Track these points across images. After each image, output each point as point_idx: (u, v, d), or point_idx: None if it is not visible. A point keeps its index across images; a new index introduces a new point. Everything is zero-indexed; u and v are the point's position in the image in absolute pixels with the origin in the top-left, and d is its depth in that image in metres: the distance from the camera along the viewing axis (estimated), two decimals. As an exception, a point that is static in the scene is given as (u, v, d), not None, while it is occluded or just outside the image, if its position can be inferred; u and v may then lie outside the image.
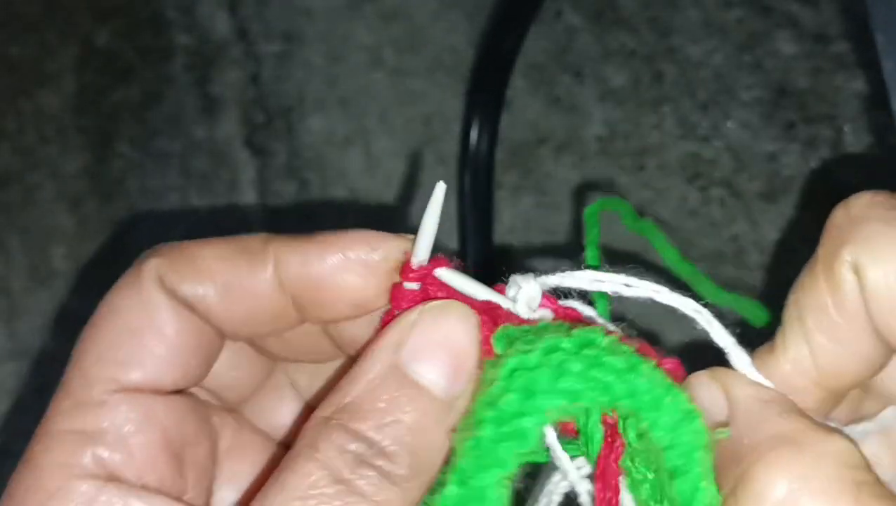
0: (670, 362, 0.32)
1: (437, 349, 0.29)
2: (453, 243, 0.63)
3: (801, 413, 0.29)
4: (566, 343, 0.30)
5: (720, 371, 0.31)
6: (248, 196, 0.67)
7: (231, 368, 0.33)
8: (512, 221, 0.63)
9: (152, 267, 0.32)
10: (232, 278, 0.32)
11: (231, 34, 0.71)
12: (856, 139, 0.60)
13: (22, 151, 0.71)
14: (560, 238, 0.62)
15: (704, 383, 0.30)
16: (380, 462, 0.27)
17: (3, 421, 0.65)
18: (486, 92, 0.64)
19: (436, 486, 0.28)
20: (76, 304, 0.67)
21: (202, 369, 0.32)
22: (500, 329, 0.31)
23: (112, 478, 0.29)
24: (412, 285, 0.32)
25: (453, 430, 0.28)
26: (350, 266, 0.32)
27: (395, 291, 0.32)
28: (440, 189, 0.31)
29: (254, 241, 0.34)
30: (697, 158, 0.62)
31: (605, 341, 0.30)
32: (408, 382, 0.28)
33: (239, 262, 0.33)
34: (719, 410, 0.30)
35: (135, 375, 0.30)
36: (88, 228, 0.68)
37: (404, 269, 0.32)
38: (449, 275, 0.33)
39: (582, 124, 0.64)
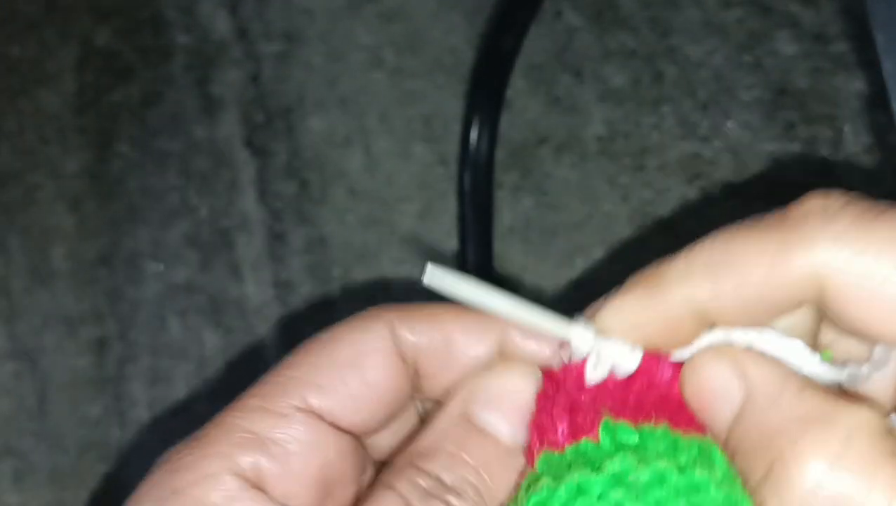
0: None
1: (503, 400, 0.31)
2: (453, 243, 0.63)
3: (817, 386, 0.28)
4: (598, 485, 0.29)
5: (730, 351, 0.30)
6: (248, 196, 0.67)
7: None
8: (512, 221, 0.63)
9: (384, 314, 0.33)
10: (459, 342, 0.34)
11: (231, 34, 0.71)
12: (856, 139, 0.60)
13: (22, 151, 0.71)
14: (560, 238, 0.62)
15: (716, 364, 0.30)
16: (448, 496, 0.29)
17: (3, 421, 0.65)
18: (486, 92, 0.64)
19: None
20: (76, 304, 0.67)
21: (382, 422, 0.33)
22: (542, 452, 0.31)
23: (260, 485, 0.30)
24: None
25: (520, 474, 0.30)
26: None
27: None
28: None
29: (483, 316, 0.33)
30: (697, 158, 0.62)
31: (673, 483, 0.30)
32: (474, 428, 0.31)
33: (470, 326, 0.33)
34: (734, 393, 0.29)
35: (323, 403, 0.32)
36: (88, 228, 0.68)
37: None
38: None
39: (582, 124, 0.64)
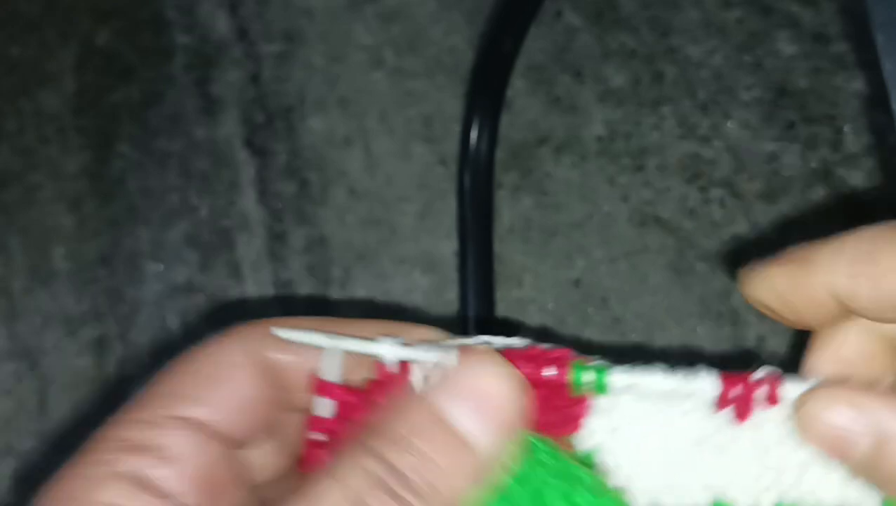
0: (559, 353, 0.34)
1: (477, 398, 0.30)
2: (453, 243, 0.63)
3: None
4: None
5: (863, 398, 0.31)
6: (248, 196, 0.67)
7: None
8: (512, 221, 0.63)
9: (248, 332, 0.35)
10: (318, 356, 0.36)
11: (231, 34, 0.71)
12: (856, 139, 0.61)
13: (22, 151, 0.71)
14: (559, 238, 0.62)
15: (843, 412, 0.30)
16: (404, 493, 0.28)
17: (3, 421, 0.65)
18: (486, 92, 0.64)
19: None
20: (76, 304, 0.67)
21: (255, 431, 0.34)
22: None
23: (145, 488, 0.31)
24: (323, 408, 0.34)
25: (482, 485, 0.30)
26: None
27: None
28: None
29: (353, 324, 0.36)
30: (697, 158, 0.62)
31: None
32: (442, 424, 0.30)
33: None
34: (863, 443, 0.30)
35: (194, 413, 0.33)
36: (88, 228, 0.68)
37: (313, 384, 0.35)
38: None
39: (582, 124, 0.64)
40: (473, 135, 0.62)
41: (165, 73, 0.71)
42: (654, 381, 0.35)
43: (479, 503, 0.30)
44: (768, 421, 0.34)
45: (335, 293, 0.64)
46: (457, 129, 0.66)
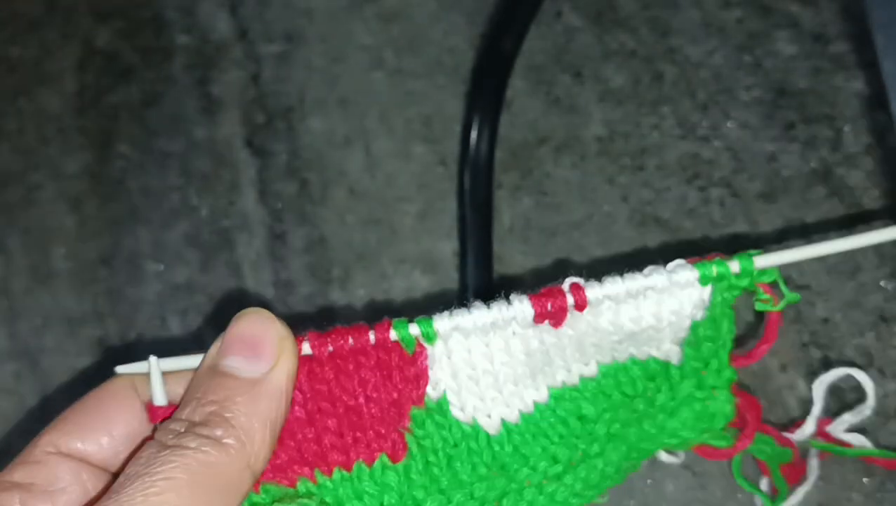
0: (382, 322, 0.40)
1: (236, 343, 0.37)
2: (453, 243, 0.63)
3: None
4: None
5: None
6: (248, 196, 0.67)
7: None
8: (512, 221, 0.63)
9: (127, 378, 0.40)
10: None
11: (231, 35, 0.71)
12: (855, 139, 0.61)
13: (22, 152, 0.71)
14: (559, 238, 0.62)
15: None
16: (198, 429, 0.34)
17: (3, 421, 0.65)
18: (485, 92, 0.64)
19: None
20: (77, 304, 0.67)
21: (127, 454, 0.39)
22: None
23: None
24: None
25: (276, 400, 0.36)
26: None
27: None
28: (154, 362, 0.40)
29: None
30: (697, 159, 0.62)
31: None
32: (217, 373, 0.36)
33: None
34: None
35: (72, 446, 0.38)
36: (89, 228, 0.68)
37: (149, 410, 0.40)
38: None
39: (582, 125, 0.64)
40: (473, 135, 0.63)
41: (166, 74, 0.71)
42: (474, 317, 0.39)
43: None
44: (581, 320, 0.40)
45: (335, 293, 0.64)
46: (457, 129, 0.66)
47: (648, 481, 0.56)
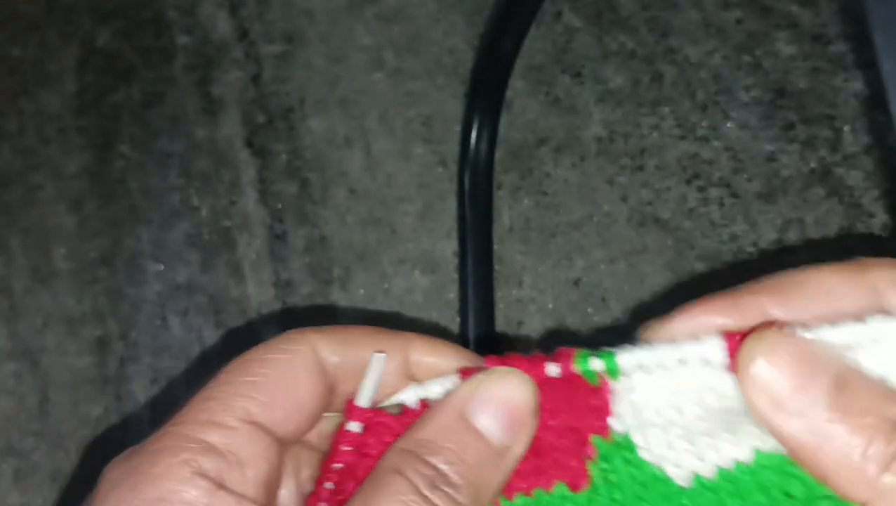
0: (562, 351, 0.37)
1: (496, 404, 0.35)
2: (453, 244, 0.63)
3: None
4: None
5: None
6: (248, 196, 0.67)
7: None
8: (512, 221, 0.63)
9: (308, 336, 0.37)
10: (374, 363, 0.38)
11: (232, 35, 0.71)
12: (855, 140, 0.61)
13: (23, 152, 0.71)
14: (559, 238, 0.62)
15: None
16: (448, 489, 0.33)
17: (3, 421, 0.65)
18: (485, 93, 0.64)
19: None
20: (77, 304, 0.67)
21: (306, 431, 0.37)
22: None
23: (224, 489, 0.33)
24: (354, 427, 0.38)
25: (508, 473, 0.35)
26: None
27: (339, 433, 0.38)
28: (379, 360, 0.38)
29: (391, 335, 0.39)
30: (697, 159, 0.62)
31: None
32: (471, 428, 0.35)
33: (385, 346, 0.38)
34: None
35: (262, 415, 0.35)
36: (89, 228, 0.69)
37: (349, 408, 0.38)
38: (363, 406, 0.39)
39: (581, 125, 0.64)
40: (473, 135, 0.63)
41: (166, 74, 0.71)
42: (662, 354, 0.36)
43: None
44: None
45: (335, 293, 0.64)
46: (457, 129, 0.66)
47: (648, 480, 0.56)
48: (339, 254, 0.65)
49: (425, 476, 0.33)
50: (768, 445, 0.36)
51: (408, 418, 0.37)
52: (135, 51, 0.72)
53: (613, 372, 0.36)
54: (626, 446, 0.36)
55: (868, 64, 0.62)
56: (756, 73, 0.63)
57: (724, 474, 0.36)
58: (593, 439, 0.36)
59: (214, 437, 0.34)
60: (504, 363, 0.37)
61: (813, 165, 0.61)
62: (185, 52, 0.72)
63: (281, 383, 0.36)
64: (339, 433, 0.38)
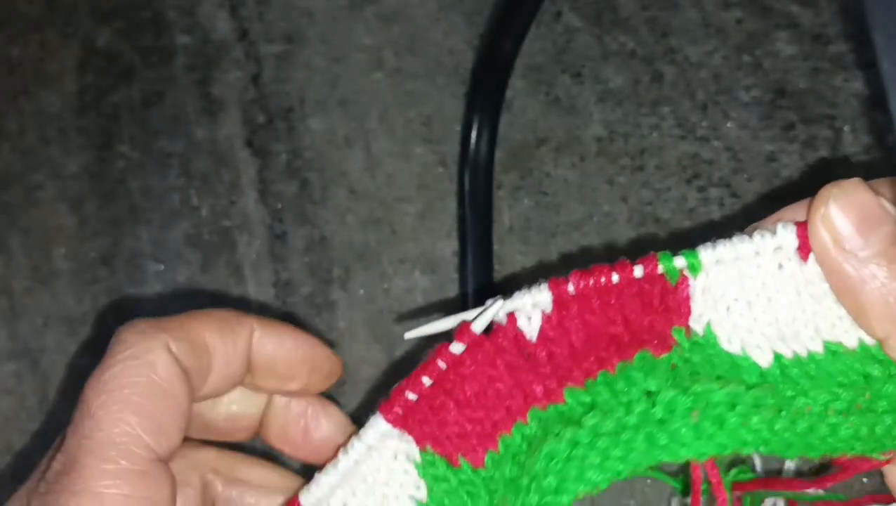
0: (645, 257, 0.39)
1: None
2: (453, 243, 0.63)
3: None
4: (585, 436, 0.39)
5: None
6: (248, 196, 0.67)
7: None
8: (512, 221, 0.63)
9: (162, 342, 0.36)
10: (223, 353, 0.38)
11: (232, 35, 0.71)
12: (855, 140, 0.61)
13: (23, 152, 0.71)
14: (559, 238, 0.62)
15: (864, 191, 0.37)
16: None
17: (3, 421, 0.65)
18: (485, 93, 0.64)
19: None
20: (77, 304, 0.67)
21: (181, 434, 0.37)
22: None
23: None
24: (458, 348, 0.39)
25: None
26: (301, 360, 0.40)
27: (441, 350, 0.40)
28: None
29: (231, 318, 0.39)
30: (697, 159, 0.62)
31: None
32: None
33: (226, 337, 0.38)
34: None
35: (163, 445, 0.34)
36: (89, 228, 0.69)
37: (461, 330, 0.39)
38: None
39: (581, 125, 0.64)
40: (473, 135, 0.63)
41: (166, 74, 0.71)
42: (740, 247, 0.38)
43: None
44: None
45: (335, 293, 0.64)
46: (457, 129, 0.66)
47: (648, 481, 0.56)
48: (339, 254, 0.65)
49: None
50: (836, 334, 0.38)
51: (500, 335, 0.39)
52: (135, 51, 0.72)
53: (695, 268, 0.38)
54: (706, 341, 0.38)
55: (868, 64, 0.62)
56: (756, 73, 0.63)
57: (799, 358, 0.38)
58: (675, 331, 0.38)
59: (134, 488, 0.32)
60: (588, 275, 0.39)
61: (813, 164, 0.61)
62: (185, 52, 0.72)
63: (154, 399, 0.34)
64: (438, 351, 0.39)
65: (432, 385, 0.39)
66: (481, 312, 0.39)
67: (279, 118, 0.69)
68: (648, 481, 0.55)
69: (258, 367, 0.39)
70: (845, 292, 0.37)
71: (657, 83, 0.64)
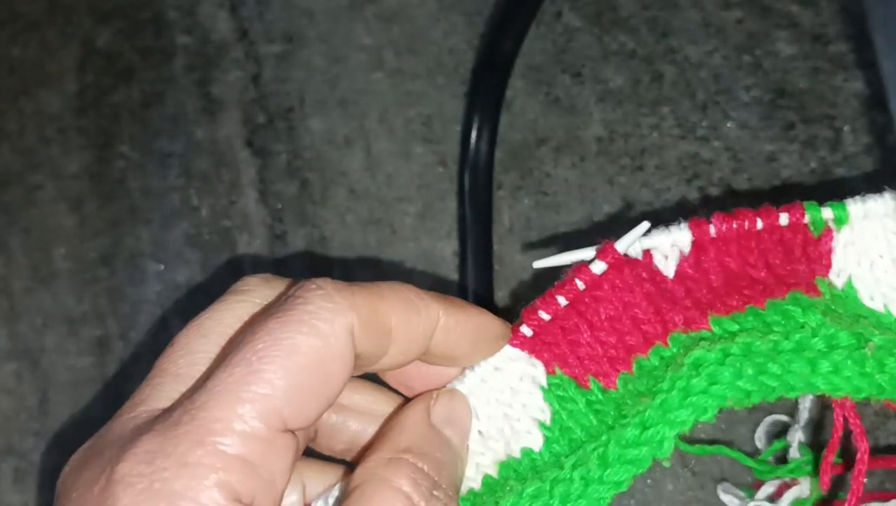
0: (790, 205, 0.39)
1: (456, 420, 0.38)
2: (453, 243, 0.63)
3: None
4: (738, 350, 0.38)
5: None
6: (248, 196, 0.67)
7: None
8: (512, 221, 0.63)
9: (347, 321, 0.34)
10: (404, 340, 0.36)
11: (232, 35, 0.71)
12: (855, 140, 0.61)
13: (23, 152, 0.71)
14: (560, 238, 0.62)
15: None
16: (437, 492, 0.35)
17: (3, 421, 0.65)
18: (485, 92, 0.64)
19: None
20: (77, 304, 0.67)
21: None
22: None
23: (240, 503, 0.30)
24: (599, 267, 0.39)
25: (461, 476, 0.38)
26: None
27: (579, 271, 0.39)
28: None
29: (419, 302, 0.37)
30: (697, 159, 0.62)
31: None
32: (441, 437, 0.37)
33: (412, 325, 0.36)
34: None
35: (299, 421, 0.32)
36: (89, 228, 0.69)
37: (605, 248, 0.40)
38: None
39: (581, 125, 0.64)
40: (473, 135, 0.63)
41: (166, 74, 0.71)
42: (888, 201, 0.38)
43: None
44: None
45: (335, 293, 0.64)
46: (457, 129, 0.66)
47: (648, 480, 0.56)
48: (339, 254, 0.65)
49: (419, 484, 0.34)
50: None
51: (638, 266, 0.39)
52: (135, 51, 0.72)
53: (842, 221, 0.38)
54: (847, 296, 0.38)
55: (868, 64, 0.62)
56: (756, 73, 0.63)
57: None
58: (818, 281, 0.38)
59: (248, 450, 0.30)
60: (732, 218, 0.39)
61: (813, 165, 0.61)
62: (185, 52, 0.72)
63: (312, 376, 0.32)
64: (577, 269, 0.39)
65: (567, 306, 0.38)
66: (623, 237, 0.39)
67: (279, 118, 0.69)
68: (648, 480, 0.55)
69: (433, 353, 0.37)
70: None
71: (657, 83, 0.64)
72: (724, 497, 0.50)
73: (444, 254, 0.63)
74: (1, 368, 0.66)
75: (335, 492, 0.37)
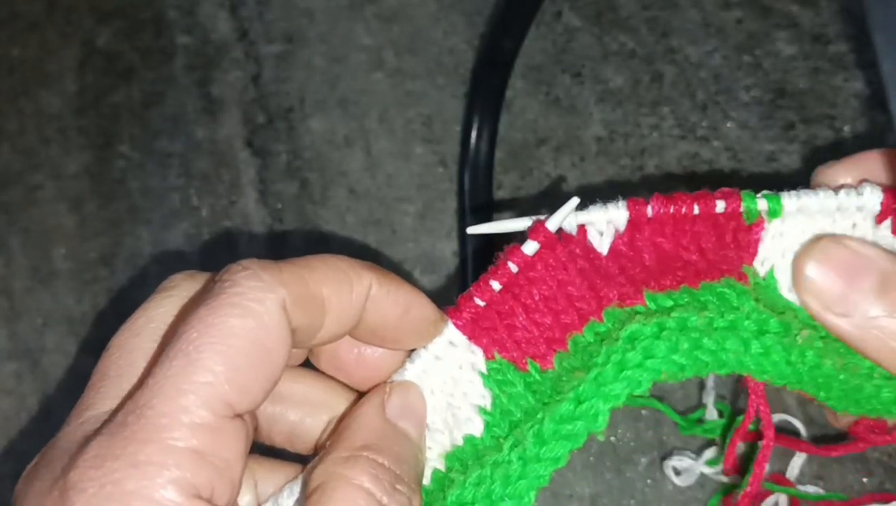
0: (728, 190, 0.40)
1: (410, 411, 0.39)
2: (453, 244, 0.63)
3: None
4: (673, 324, 0.38)
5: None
6: (248, 196, 0.67)
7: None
8: (512, 222, 0.63)
9: (278, 297, 0.33)
10: (338, 311, 0.35)
11: (232, 35, 0.71)
12: (855, 140, 0.61)
13: (23, 152, 0.71)
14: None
15: None
16: (399, 486, 0.35)
17: (3, 421, 0.65)
18: (485, 92, 0.64)
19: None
20: (77, 304, 0.67)
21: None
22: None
23: (200, 495, 0.30)
24: (530, 248, 0.39)
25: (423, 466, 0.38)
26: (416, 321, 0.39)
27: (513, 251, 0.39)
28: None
29: (351, 271, 0.36)
30: (697, 159, 0.62)
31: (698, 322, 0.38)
32: (398, 431, 0.37)
33: (343, 295, 0.36)
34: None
35: (245, 404, 0.32)
36: (89, 228, 0.69)
37: (535, 228, 0.39)
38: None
39: (581, 125, 0.64)
40: (473, 135, 0.63)
41: (166, 74, 0.71)
42: (822, 199, 0.38)
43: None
44: None
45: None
46: (457, 129, 0.66)
47: (648, 480, 0.56)
48: (339, 254, 0.65)
49: (379, 480, 0.34)
50: None
51: (571, 242, 0.39)
52: (135, 51, 0.72)
53: (775, 213, 0.39)
54: (769, 282, 0.38)
55: (868, 64, 0.62)
56: (756, 73, 0.63)
57: None
58: (745, 269, 0.38)
59: (197, 441, 0.30)
60: (671, 201, 0.40)
61: (813, 165, 0.61)
62: (185, 52, 0.72)
63: (251, 357, 0.31)
64: (509, 252, 0.38)
65: (501, 290, 0.38)
66: (554, 214, 0.39)
67: (279, 118, 0.69)
68: (649, 480, 0.55)
69: (365, 326, 0.36)
70: (856, 348, 0.38)
71: (657, 83, 0.64)
72: (674, 461, 0.54)
73: (444, 254, 0.63)
74: (1, 369, 0.66)
75: (288, 491, 0.37)
